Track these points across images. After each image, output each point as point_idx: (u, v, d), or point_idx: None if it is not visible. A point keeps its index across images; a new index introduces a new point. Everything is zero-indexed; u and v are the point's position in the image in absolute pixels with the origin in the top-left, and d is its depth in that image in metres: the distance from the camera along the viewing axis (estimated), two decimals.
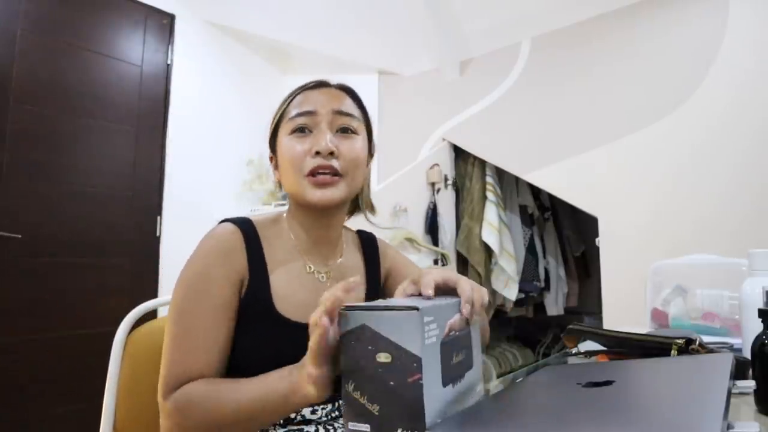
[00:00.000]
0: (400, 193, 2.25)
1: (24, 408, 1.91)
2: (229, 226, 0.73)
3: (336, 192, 0.73)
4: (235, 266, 0.70)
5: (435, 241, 2.36)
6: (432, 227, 2.37)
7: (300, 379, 0.52)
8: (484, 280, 2.46)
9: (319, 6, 2.52)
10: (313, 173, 0.71)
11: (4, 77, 1.95)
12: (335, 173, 0.72)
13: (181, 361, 0.64)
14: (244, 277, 0.70)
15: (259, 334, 0.69)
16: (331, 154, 0.72)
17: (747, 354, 0.69)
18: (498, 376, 2.60)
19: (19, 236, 1.94)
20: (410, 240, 2.22)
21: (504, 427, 0.49)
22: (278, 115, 0.78)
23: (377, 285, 0.88)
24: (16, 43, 1.99)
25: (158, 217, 2.41)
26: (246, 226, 0.74)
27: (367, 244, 0.90)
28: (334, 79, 0.81)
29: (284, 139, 0.75)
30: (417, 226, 2.33)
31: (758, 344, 0.58)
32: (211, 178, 2.60)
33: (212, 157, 2.59)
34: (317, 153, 0.71)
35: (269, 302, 0.71)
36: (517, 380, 0.74)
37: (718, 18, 1.82)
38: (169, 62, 2.51)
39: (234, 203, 2.67)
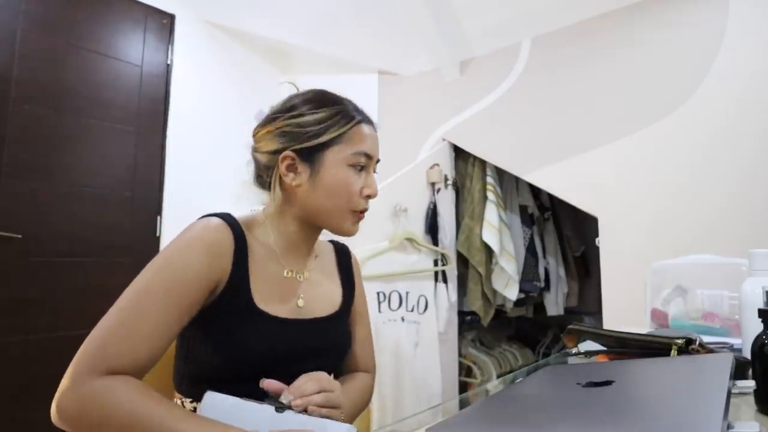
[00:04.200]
0: (400, 193, 2.25)
1: (24, 408, 1.91)
2: (221, 225, 0.72)
3: None
4: (220, 265, 0.70)
5: (435, 241, 2.37)
6: (432, 227, 2.37)
7: None
8: (485, 279, 2.46)
9: (319, 6, 2.52)
10: (359, 211, 0.79)
11: (4, 77, 1.95)
12: None
13: (119, 343, 0.59)
14: (224, 277, 0.70)
15: (239, 328, 0.70)
16: None
17: (747, 354, 0.69)
18: (498, 376, 2.59)
19: (19, 236, 1.94)
20: (410, 240, 2.22)
21: (504, 427, 0.49)
22: (331, 135, 0.76)
23: (351, 294, 0.91)
24: (16, 43, 1.99)
25: (158, 217, 2.41)
26: (236, 227, 0.74)
27: (341, 254, 0.95)
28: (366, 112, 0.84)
29: (339, 167, 0.77)
30: (417, 226, 2.33)
31: (758, 344, 0.59)
32: (211, 178, 2.60)
33: (212, 156, 2.58)
34: (368, 196, 0.79)
35: (249, 297, 0.72)
36: (517, 380, 0.74)
37: (719, 17, 1.82)
38: (169, 62, 2.51)
39: (234, 203, 2.66)
